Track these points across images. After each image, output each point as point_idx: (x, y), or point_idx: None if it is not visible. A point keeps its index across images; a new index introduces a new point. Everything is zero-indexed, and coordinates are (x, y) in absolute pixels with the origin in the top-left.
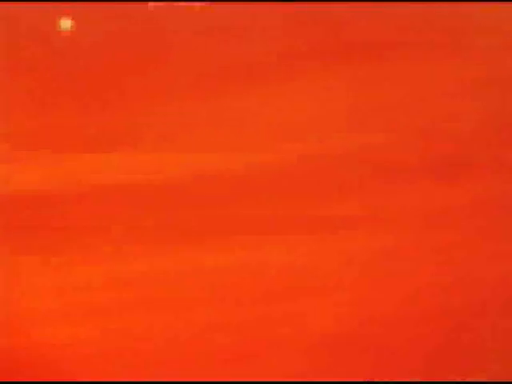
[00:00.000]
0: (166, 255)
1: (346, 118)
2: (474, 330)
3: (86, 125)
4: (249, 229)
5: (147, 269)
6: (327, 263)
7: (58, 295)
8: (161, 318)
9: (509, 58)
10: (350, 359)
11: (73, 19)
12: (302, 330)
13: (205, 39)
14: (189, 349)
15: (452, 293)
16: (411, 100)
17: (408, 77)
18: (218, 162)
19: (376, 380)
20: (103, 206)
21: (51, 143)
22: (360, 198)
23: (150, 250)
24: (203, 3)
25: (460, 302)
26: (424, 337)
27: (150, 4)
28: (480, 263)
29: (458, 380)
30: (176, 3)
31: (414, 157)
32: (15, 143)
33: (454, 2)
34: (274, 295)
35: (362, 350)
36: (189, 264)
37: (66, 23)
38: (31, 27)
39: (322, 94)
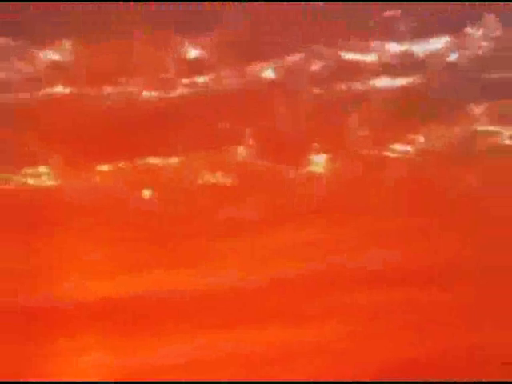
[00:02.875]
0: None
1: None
2: None
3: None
4: (252, 323)
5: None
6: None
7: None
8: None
9: None
10: None
11: (152, 189)
12: None
13: (219, 201)
14: None
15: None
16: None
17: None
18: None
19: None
20: (159, 310)
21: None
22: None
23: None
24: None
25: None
26: None
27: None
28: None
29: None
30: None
31: (364, 271)
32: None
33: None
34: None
35: None
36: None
37: (147, 193)
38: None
39: (299, 240)
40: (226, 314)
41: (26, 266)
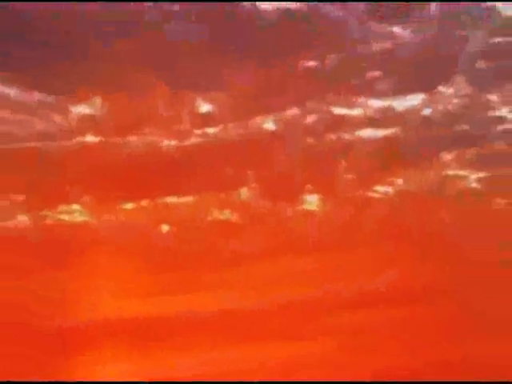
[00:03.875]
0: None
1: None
2: None
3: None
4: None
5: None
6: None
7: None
8: None
9: None
10: None
11: (170, 224)
12: None
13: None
14: None
15: None
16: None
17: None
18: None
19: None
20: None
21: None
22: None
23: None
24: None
25: None
26: None
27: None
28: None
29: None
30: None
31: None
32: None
33: None
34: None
35: None
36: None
37: (165, 227)
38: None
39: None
40: (233, 332)
41: (60, 293)
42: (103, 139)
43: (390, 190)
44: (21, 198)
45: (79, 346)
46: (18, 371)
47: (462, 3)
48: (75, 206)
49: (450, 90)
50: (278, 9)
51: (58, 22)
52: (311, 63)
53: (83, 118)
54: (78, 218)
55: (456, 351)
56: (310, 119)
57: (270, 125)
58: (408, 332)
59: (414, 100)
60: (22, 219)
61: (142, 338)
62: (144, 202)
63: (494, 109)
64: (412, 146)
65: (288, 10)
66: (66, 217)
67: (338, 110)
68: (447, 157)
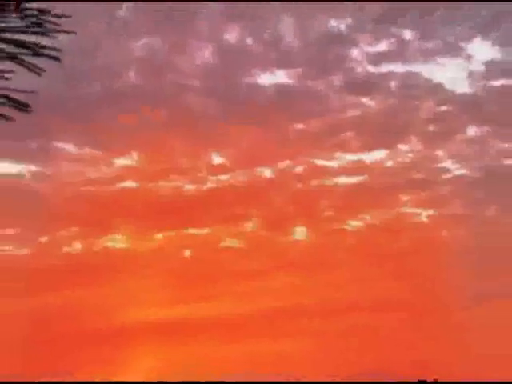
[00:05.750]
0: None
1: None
2: None
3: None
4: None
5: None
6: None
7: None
8: None
9: None
10: None
11: (191, 250)
12: None
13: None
14: None
15: None
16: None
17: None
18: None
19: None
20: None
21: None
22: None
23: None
24: None
25: None
26: None
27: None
28: None
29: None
30: None
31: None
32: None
33: None
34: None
35: None
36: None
37: (187, 252)
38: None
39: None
40: (236, 331)
41: (106, 303)
42: (139, 184)
43: (360, 223)
44: (76, 229)
45: (123, 342)
46: (71, 363)
47: (413, 80)
48: (118, 236)
49: (407, 147)
50: (275, 83)
51: (98, 104)
52: (299, 126)
53: (124, 168)
54: (120, 245)
55: (419, 352)
56: (299, 169)
57: (268, 173)
58: (374, 335)
59: (379, 154)
60: (77, 246)
61: (170, 336)
62: (171, 233)
63: (440, 161)
64: (377, 189)
65: (281, 84)
66: (110, 244)
67: (320, 162)
68: (404, 198)
